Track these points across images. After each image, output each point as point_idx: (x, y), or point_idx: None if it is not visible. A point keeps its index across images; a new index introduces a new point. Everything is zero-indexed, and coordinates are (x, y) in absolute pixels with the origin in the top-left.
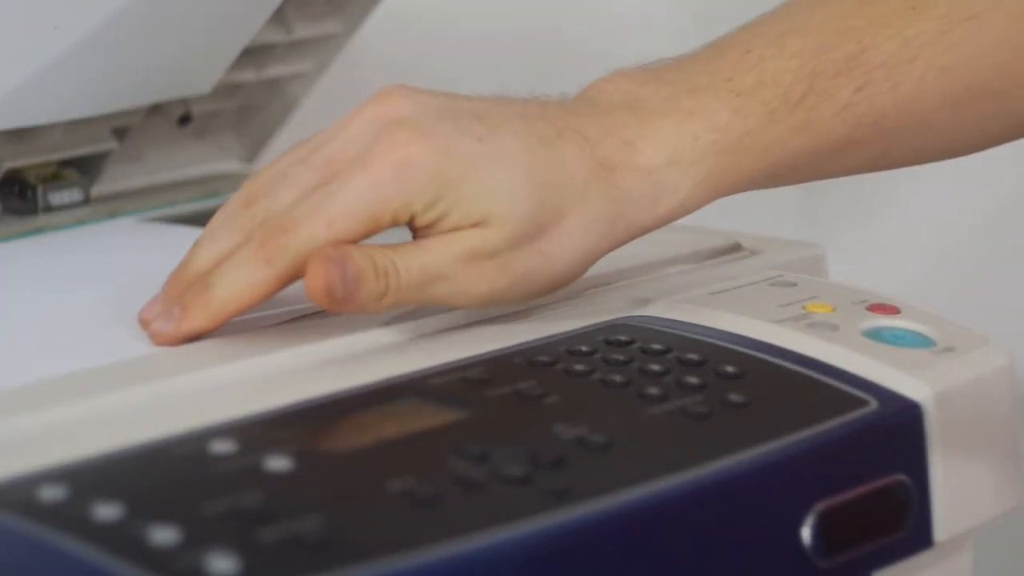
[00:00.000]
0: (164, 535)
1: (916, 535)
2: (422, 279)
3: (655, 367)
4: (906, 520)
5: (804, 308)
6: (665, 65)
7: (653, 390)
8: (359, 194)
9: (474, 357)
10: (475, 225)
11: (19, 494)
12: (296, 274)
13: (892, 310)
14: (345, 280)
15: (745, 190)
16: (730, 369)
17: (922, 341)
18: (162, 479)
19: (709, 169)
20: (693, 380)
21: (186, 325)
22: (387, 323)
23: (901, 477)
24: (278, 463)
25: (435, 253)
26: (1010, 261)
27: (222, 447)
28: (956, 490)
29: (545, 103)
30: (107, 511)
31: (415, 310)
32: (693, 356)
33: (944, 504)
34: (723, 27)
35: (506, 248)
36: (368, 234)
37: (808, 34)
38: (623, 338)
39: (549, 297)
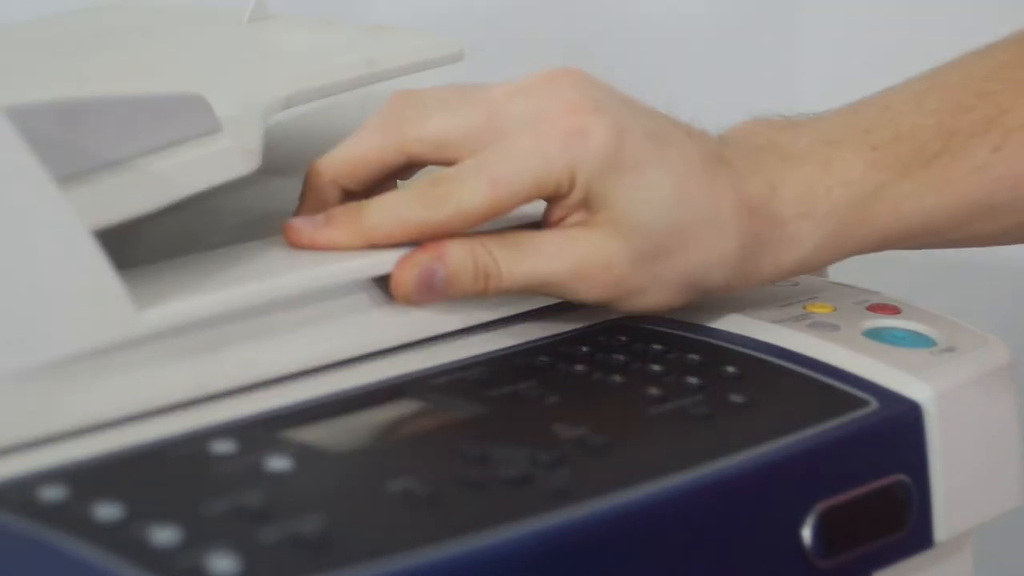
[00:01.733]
0: (164, 535)
1: (916, 535)
2: (525, 284)
3: (655, 367)
4: (906, 520)
5: (804, 308)
6: (802, 117)
7: (653, 390)
8: (526, 158)
9: (474, 357)
10: (605, 224)
11: (19, 494)
12: (450, 227)
13: (892, 310)
14: (432, 285)
15: (878, 249)
16: (730, 369)
17: (922, 341)
18: (162, 479)
19: (838, 223)
20: (693, 380)
21: (328, 232)
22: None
23: (901, 477)
24: (278, 463)
25: (546, 259)
26: (1010, 260)
27: (222, 447)
28: (956, 490)
29: (700, 129)
30: (107, 511)
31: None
32: (693, 356)
33: (944, 504)
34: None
35: (626, 263)
36: (530, 198)
37: (947, 93)
38: (623, 338)
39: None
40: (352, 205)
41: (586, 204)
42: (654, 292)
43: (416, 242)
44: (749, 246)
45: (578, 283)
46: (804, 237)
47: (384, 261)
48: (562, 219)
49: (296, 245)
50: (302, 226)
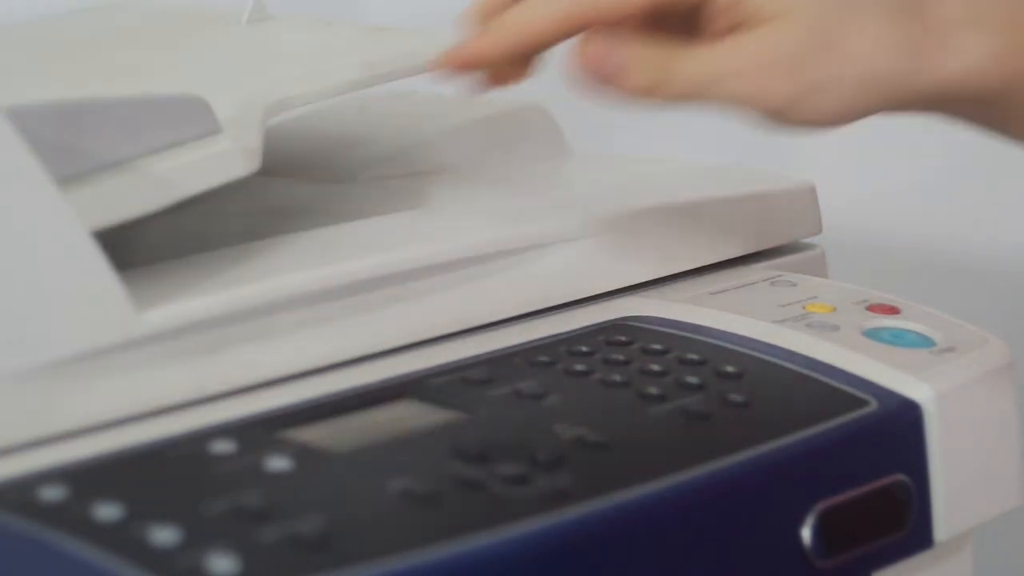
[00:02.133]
0: (164, 535)
1: (916, 535)
2: (697, 82)
3: (655, 367)
4: (906, 520)
5: (804, 308)
6: None
7: (653, 390)
8: None
9: (474, 357)
10: (771, 19)
11: (19, 494)
12: (587, 21)
13: (892, 310)
14: (607, 66)
15: None
16: (730, 369)
17: (922, 341)
18: (162, 479)
19: (1014, 39)
20: (693, 380)
21: (473, 43)
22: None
23: (901, 477)
24: (278, 463)
25: (717, 57)
26: (1011, 260)
27: (222, 447)
28: (956, 490)
29: None
30: (107, 511)
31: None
32: (693, 356)
33: (944, 504)
34: None
35: (797, 51)
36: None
37: None
38: (623, 338)
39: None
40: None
41: (741, 5)
42: (832, 91)
43: (566, 36)
44: (920, 36)
45: (756, 77)
46: (976, 43)
47: (384, 262)
48: (721, 31)
49: (447, 63)
50: (451, 49)
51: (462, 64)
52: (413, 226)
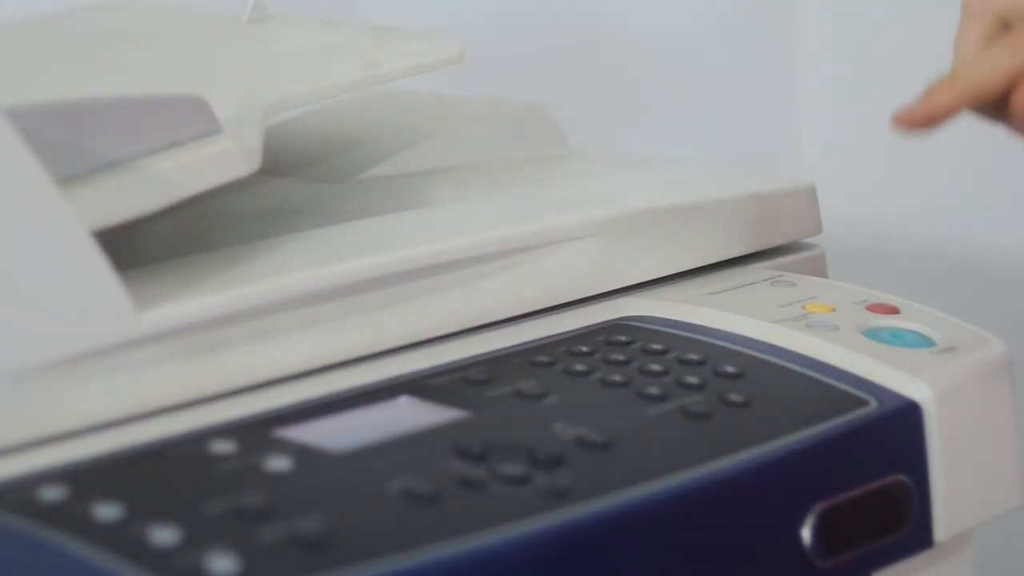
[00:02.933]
0: (164, 535)
1: (916, 535)
2: None
3: (655, 367)
4: (906, 520)
5: (804, 308)
6: None
7: (653, 390)
8: None
9: (474, 357)
10: None
11: (19, 494)
12: None
13: (892, 310)
14: None
15: None
16: (730, 369)
17: (922, 341)
18: (162, 479)
19: None
20: (693, 380)
21: (928, 102)
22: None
23: (901, 477)
24: (278, 463)
25: None
26: (1010, 260)
27: (222, 447)
28: (956, 490)
29: None
30: (107, 511)
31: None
32: (693, 356)
33: (944, 504)
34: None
35: None
36: None
37: None
38: (623, 338)
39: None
40: (943, 76)
41: None
42: None
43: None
44: None
45: None
46: None
47: (384, 262)
48: None
49: (905, 125)
50: (906, 109)
51: (923, 123)
52: (413, 226)
